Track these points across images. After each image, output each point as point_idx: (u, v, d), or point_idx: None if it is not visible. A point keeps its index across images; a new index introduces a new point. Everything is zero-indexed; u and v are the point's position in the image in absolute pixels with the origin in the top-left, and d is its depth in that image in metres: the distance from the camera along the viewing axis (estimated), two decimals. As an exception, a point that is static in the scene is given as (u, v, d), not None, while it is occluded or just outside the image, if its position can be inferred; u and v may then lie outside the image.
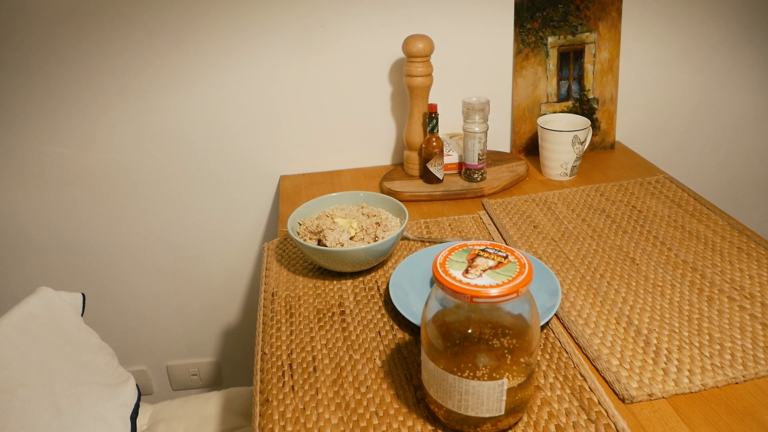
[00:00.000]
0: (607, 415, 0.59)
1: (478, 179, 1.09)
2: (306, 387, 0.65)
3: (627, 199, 1.01)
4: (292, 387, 0.66)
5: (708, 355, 0.66)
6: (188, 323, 1.37)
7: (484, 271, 0.53)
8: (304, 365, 0.68)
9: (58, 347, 0.82)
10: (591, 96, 1.21)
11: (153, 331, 1.37)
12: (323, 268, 0.86)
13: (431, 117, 1.03)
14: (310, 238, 0.84)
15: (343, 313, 0.77)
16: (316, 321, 0.76)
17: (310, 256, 0.83)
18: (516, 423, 0.59)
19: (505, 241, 0.92)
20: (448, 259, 0.54)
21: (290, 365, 0.69)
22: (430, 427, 0.59)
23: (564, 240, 0.90)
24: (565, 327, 0.72)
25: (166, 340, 1.39)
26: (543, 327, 0.72)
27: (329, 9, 1.09)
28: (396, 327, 0.74)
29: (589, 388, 0.62)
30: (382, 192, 1.09)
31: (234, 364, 1.44)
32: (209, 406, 1.03)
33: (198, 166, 1.19)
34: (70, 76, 1.08)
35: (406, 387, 0.64)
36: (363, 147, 1.22)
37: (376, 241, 0.82)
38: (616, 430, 0.57)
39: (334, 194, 0.93)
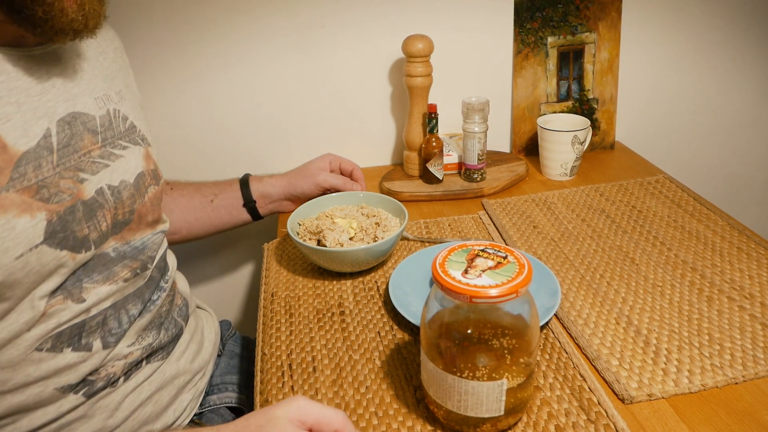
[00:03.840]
0: (607, 416, 0.59)
1: (478, 179, 1.09)
2: (306, 387, 0.65)
3: (627, 199, 1.01)
4: (292, 387, 0.66)
5: (708, 355, 0.66)
6: (188, 323, 1.37)
7: (483, 271, 0.52)
8: (304, 365, 0.68)
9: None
10: (591, 96, 1.21)
11: (153, 331, 1.37)
12: (323, 269, 0.86)
13: (431, 117, 1.03)
14: (310, 239, 0.84)
15: (342, 313, 0.77)
16: (316, 321, 0.76)
17: (310, 256, 0.83)
18: (515, 423, 0.59)
19: (504, 241, 0.92)
20: (447, 260, 0.54)
21: (290, 365, 0.69)
22: (429, 428, 0.59)
23: (564, 240, 0.90)
24: (564, 327, 0.72)
25: (166, 340, 1.39)
26: (543, 327, 0.72)
27: (328, 8, 1.09)
28: (396, 327, 0.74)
29: (589, 388, 0.62)
30: (382, 192, 1.09)
31: (234, 364, 1.44)
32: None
33: (196, 166, 1.18)
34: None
35: (406, 387, 0.64)
36: (363, 147, 1.21)
37: (375, 241, 0.82)
38: (616, 430, 0.57)
39: (333, 194, 0.93)
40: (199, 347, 0.82)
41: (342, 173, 1.02)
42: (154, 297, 0.72)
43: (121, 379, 0.68)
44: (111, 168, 0.66)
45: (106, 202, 0.64)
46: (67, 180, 0.59)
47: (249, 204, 0.99)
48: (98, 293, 0.63)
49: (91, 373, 0.64)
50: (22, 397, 0.60)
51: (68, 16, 0.56)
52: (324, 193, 0.98)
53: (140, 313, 0.69)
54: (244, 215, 1.01)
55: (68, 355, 0.62)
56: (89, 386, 0.64)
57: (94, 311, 0.63)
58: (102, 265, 0.64)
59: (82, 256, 0.61)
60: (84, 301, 0.62)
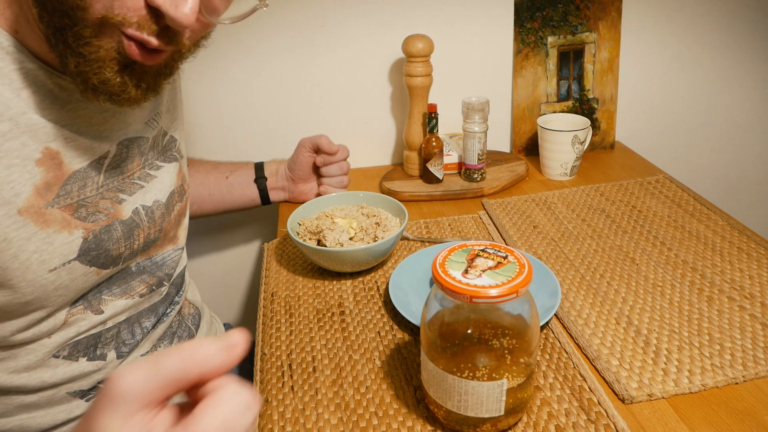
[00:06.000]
0: (607, 416, 0.59)
1: (478, 179, 1.08)
2: (305, 387, 0.65)
3: (627, 199, 1.01)
4: (292, 387, 0.65)
5: (708, 355, 0.66)
6: (188, 323, 1.37)
7: (483, 271, 0.52)
8: (304, 365, 0.68)
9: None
10: (591, 96, 1.21)
11: (153, 331, 1.37)
12: (323, 269, 0.86)
13: (431, 117, 1.03)
14: (310, 239, 0.84)
15: (342, 313, 0.77)
16: (316, 321, 0.76)
17: (310, 256, 0.83)
18: (516, 423, 0.59)
19: (504, 241, 0.92)
20: (447, 260, 0.54)
21: (290, 365, 0.69)
22: (429, 428, 0.59)
23: (564, 240, 0.90)
24: (564, 327, 0.72)
25: (166, 340, 1.39)
26: (543, 327, 0.72)
27: (328, 8, 1.09)
28: (396, 327, 0.74)
29: (589, 388, 0.62)
30: (382, 192, 1.09)
31: (234, 364, 1.44)
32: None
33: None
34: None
35: (406, 387, 0.64)
36: (363, 147, 1.21)
37: (375, 241, 0.82)
38: (616, 430, 0.57)
39: (333, 194, 0.93)
40: None
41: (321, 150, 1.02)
42: (168, 311, 0.74)
43: None
44: (145, 189, 0.67)
45: (141, 222, 0.66)
46: (107, 201, 0.61)
47: (260, 180, 1.02)
48: (115, 306, 0.65)
49: (103, 381, 0.66)
50: (35, 398, 0.62)
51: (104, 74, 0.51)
52: (315, 164, 1.02)
53: (153, 326, 0.71)
54: (254, 192, 1.03)
55: (83, 364, 0.64)
56: None
57: (110, 324, 0.65)
58: (122, 279, 0.66)
59: (107, 272, 0.63)
60: (102, 312, 0.64)
